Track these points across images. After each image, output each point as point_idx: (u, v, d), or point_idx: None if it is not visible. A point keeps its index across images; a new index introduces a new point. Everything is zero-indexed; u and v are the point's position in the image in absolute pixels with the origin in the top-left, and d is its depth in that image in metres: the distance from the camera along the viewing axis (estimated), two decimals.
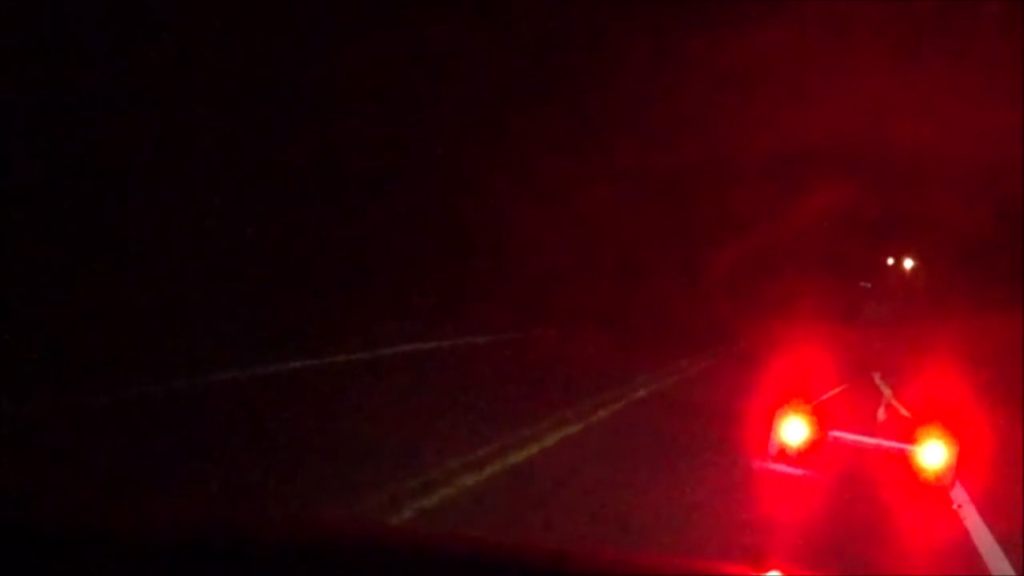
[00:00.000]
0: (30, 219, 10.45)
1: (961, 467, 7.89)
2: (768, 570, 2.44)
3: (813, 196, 20.51)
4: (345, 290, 14.61)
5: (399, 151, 16.85)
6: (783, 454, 8.19)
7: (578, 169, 19.67)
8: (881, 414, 9.93)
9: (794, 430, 8.20)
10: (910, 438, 8.18)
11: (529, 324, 17.56)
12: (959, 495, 7.80)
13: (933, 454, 7.92)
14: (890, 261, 23.58)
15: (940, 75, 15.82)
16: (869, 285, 22.14)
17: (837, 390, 10.06)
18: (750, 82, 17.07)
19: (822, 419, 8.42)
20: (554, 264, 19.24)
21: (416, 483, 6.45)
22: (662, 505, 6.81)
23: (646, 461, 8.25)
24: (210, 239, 12.84)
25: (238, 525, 2.19)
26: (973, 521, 7.32)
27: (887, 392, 10.48)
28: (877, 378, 11.34)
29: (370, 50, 15.31)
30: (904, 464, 8.11)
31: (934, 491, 7.84)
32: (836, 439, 8.45)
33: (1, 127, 10.42)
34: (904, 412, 9.63)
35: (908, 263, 23.36)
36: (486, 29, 16.10)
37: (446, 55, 16.26)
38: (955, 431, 8.03)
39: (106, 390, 7.59)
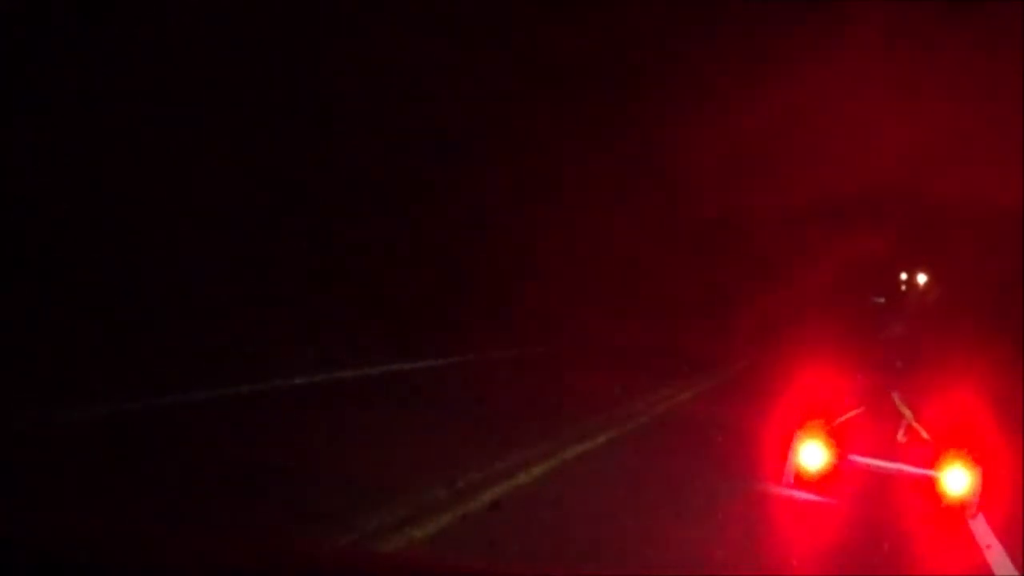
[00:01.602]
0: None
1: (984, 494, 7.66)
2: None
3: (831, 223, 20.42)
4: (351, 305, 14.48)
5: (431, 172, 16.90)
6: (800, 479, 7.97)
7: (611, 202, 19.74)
8: (901, 436, 9.69)
9: (812, 454, 7.99)
10: (932, 463, 7.96)
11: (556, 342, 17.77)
12: (981, 524, 7.55)
13: (956, 480, 7.69)
14: (903, 276, 23.29)
15: (963, 112, 15.71)
16: (883, 300, 21.87)
17: (855, 411, 9.81)
18: (778, 124, 17.04)
19: (840, 443, 8.20)
20: (577, 287, 19.29)
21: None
22: (672, 534, 6.56)
23: (655, 486, 8.00)
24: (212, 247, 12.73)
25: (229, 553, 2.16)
26: (995, 551, 7.08)
27: (907, 413, 10.22)
28: (896, 398, 11.09)
29: (405, 63, 15.28)
30: (926, 490, 7.88)
31: (957, 519, 7.61)
32: (855, 464, 8.23)
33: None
34: (925, 435, 9.38)
35: (921, 277, 23.07)
36: (524, 59, 16.09)
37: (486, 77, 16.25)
38: (978, 456, 7.80)
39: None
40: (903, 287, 22.69)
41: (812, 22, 13.71)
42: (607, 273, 20.73)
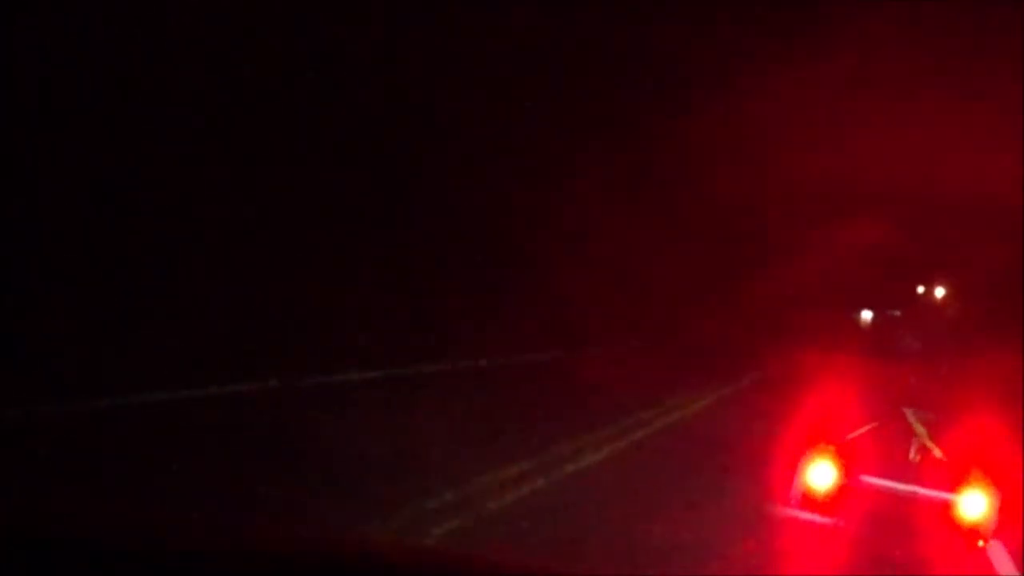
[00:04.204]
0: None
1: (1003, 519, 7.23)
2: None
3: (848, 232, 20.12)
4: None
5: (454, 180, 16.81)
6: (808, 500, 7.57)
7: (625, 206, 19.52)
8: (914, 455, 9.28)
9: (820, 474, 7.59)
10: (947, 485, 7.54)
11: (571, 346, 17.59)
12: (998, 551, 7.13)
13: (973, 504, 7.27)
14: (920, 289, 22.95)
15: (973, 115, 15.40)
16: (899, 313, 21.54)
17: (867, 428, 9.42)
18: (789, 126, 16.76)
19: (850, 462, 7.80)
20: (586, 292, 19.03)
21: None
22: (673, 555, 6.21)
23: (655, 504, 7.63)
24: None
25: (245, 539, 2.15)
26: None
27: (920, 431, 9.83)
28: (910, 414, 10.69)
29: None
30: (940, 514, 7.47)
31: (973, 545, 7.19)
32: (866, 484, 7.82)
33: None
34: (939, 454, 8.99)
35: (939, 291, 22.70)
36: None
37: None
38: (996, 479, 7.38)
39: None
40: (920, 301, 22.28)
41: (819, 15, 13.37)
42: (613, 276, 20.41)
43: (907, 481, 7.99)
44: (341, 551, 2.16)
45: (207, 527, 2.18)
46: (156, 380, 8.60)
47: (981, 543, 7.16)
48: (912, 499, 7.78)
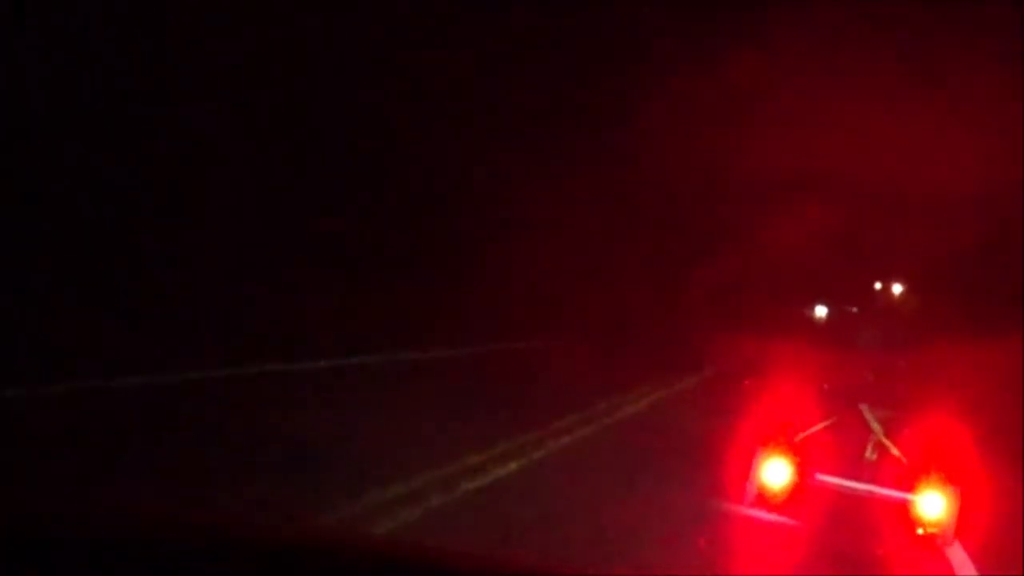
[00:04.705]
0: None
1: (962, 520, 7.01)
2: None
3: (802, 222, 20.02)
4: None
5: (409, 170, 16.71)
6: (762, 499, 7.32)
7: (571, 193, 19.33)
8: (870, 453, 9.06)
9: (775, 472, 7.34)
10: (905, 485, 7.32)
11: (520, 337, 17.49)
12: (958, 553, 6.90)
13: (931, 504, 7.05)
14: (878, 285, 22.91)
15: (930, 105, 15.35)
16: (856, 309, 21.48)
17: (822, 425, 9.18)
18: (742, 111, 16.61)
19: (805, 459, 7.56)
20: (542, 285, 18.83)
21: None
22: (621, 553, 5.91)
23: (605, 499, 7.35)
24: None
25: (225, 529, 2.15)
26: None
27: (877, 428, 9.60)
28: (866, 411, 10.48)
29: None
30: (897, 514, 7.24)
31: (931, 547, 6.97)
32: (821, 483, 7.58)
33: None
34: (895, 452, 8.76)
35: (897, 288, 22.66)
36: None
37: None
38: (955, 478, 7.15)
39: None
40: (877, 297, 22.21)
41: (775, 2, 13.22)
42: (557, 266, 20.15)
43: (863, 480, 7.76)
44: (340, 549, 2.17)
45: (205, 527, 2.15)
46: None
47: (940, 543, 6.95)
48: (869, 498, 7.56)
